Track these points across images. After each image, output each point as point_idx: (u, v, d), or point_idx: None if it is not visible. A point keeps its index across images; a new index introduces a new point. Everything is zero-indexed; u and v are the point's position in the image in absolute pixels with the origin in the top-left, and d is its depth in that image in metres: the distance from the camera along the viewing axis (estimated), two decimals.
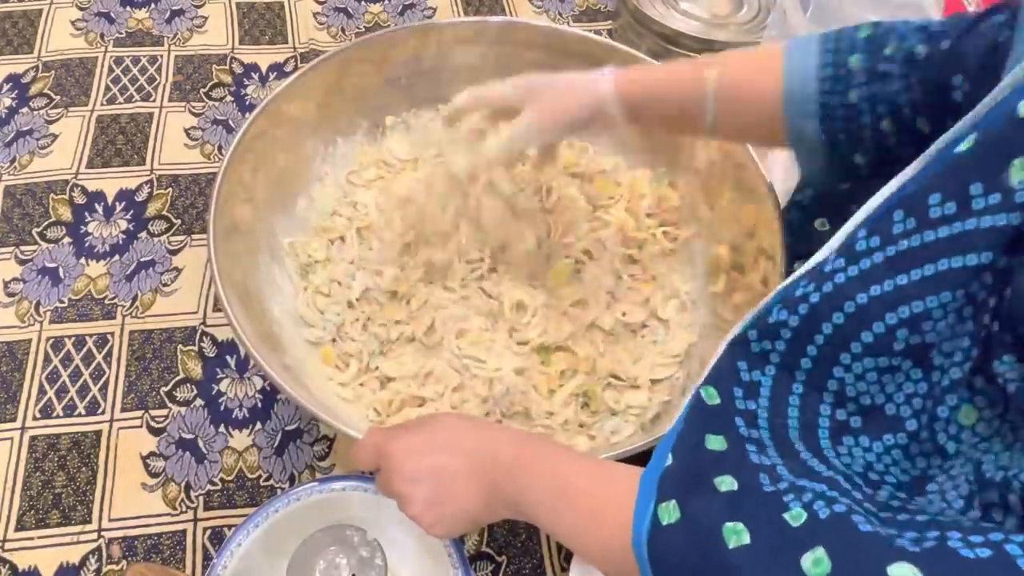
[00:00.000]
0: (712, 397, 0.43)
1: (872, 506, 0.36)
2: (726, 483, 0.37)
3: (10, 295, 0.86)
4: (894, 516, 0.35)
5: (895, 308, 0.39)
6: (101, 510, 0.73)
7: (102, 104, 1.04)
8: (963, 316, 0.38)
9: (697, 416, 0.43)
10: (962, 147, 0.39)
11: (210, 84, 1.08)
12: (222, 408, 0.80)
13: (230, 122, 1.04)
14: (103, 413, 0.78)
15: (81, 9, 1.16)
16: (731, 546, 0.34)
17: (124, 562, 0.70)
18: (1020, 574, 0.29)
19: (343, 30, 1.18)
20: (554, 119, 0.65)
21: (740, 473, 0.38)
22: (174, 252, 0.91)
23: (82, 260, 0.90)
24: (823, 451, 0.41)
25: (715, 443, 0.40)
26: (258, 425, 0.79)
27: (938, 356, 0.39)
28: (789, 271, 0.69)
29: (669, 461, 0.40)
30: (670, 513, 0.37)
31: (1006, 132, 0.37)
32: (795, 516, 0.34)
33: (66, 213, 0.93)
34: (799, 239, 0.69)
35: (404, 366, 0.74)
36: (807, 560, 0.32)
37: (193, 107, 1.05)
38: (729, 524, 0.35)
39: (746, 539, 0.34)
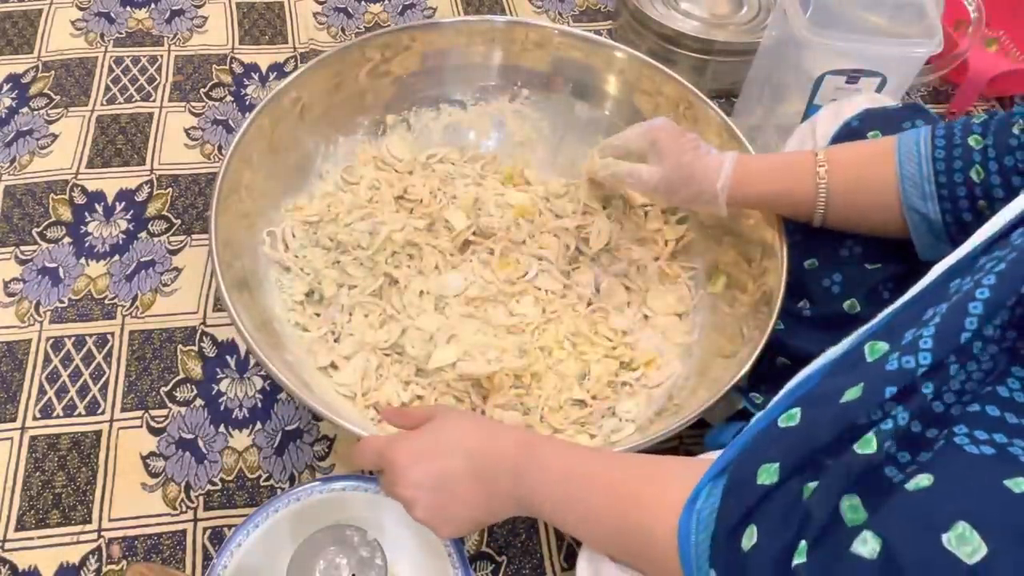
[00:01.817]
0: (875, 352, 0.39)
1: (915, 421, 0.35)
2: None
3: (10, 295, 0.86)
4: (923, 433, 0.35)
5: None
6: (101, 510, 0.73)
7: (102, 104, 1.04)
8: None
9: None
10: None
11: (210, 84, 1.08)
12: (222, 408, 0.79)
13: (230, 122, 1.04)
14: (103, 413, 0.78)
15: (81, 9, 1.16)
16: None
17: (124, 562, 0.70)
18: (1021, 469, 0.30)
19: (343, 30, 1.18)
20: (663, 188, 0.69)
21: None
22: (174, 252, 0.91)
23: (82, 260, 0.89)
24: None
25: (852, 392, 0.38)
26: (258, 425, 0.79)
27: None
28: (791, 267, 0.69)
29: (797, 419, 0.39)
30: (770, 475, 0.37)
31: None
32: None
33: (66, 213, 0.93)
34: (805, 236, 0.69)
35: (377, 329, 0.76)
36: (844, 504, 0.33)
37: (193, 107, 1.05)
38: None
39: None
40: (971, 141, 0.57)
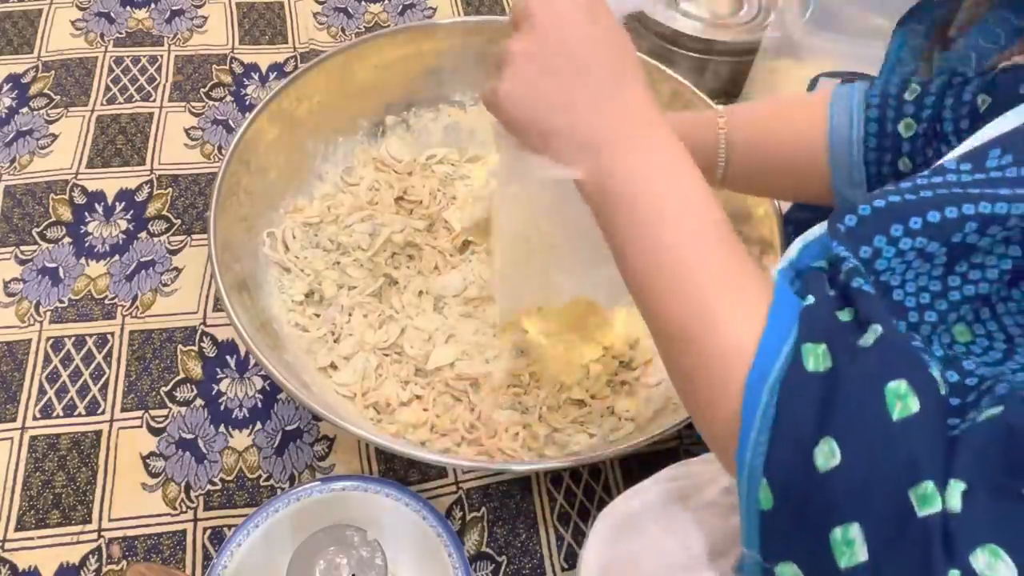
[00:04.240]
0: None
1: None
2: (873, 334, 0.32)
3: (10, 295, 0.86)
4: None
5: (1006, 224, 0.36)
6: (101, 510, 0.73)
7: (102, 104, 1.04)
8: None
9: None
10: None
11: (210, 84, 1.08)
12: (222, 408, 0.80)
13: (230, 122, 1.04)
14: (103, 413, 0.78)
15: (81, 9, 1.16)
16: (895, 417, 0.30)
17: (124, 562, 0.70)
18: None
19: (343, 30, 1.18)
20: None
21: (883, 321, 0.33)
22: (174, 252, 0.91)
23: (82, 260, 0.90)
24: None
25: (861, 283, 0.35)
26: (258, 425, 0.79)
27: (963, 264, 0.38)
28: None
29: (810, 299, 0.35)
30: (818, 359, 0.32)
31: None
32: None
33: (66, 213, 0.93)
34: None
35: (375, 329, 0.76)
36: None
37: (193, 107, 1.05)
38: (892, 384, 0.30)
39: (915, 407, 0.30)
40: (901, 127, 0.54)
